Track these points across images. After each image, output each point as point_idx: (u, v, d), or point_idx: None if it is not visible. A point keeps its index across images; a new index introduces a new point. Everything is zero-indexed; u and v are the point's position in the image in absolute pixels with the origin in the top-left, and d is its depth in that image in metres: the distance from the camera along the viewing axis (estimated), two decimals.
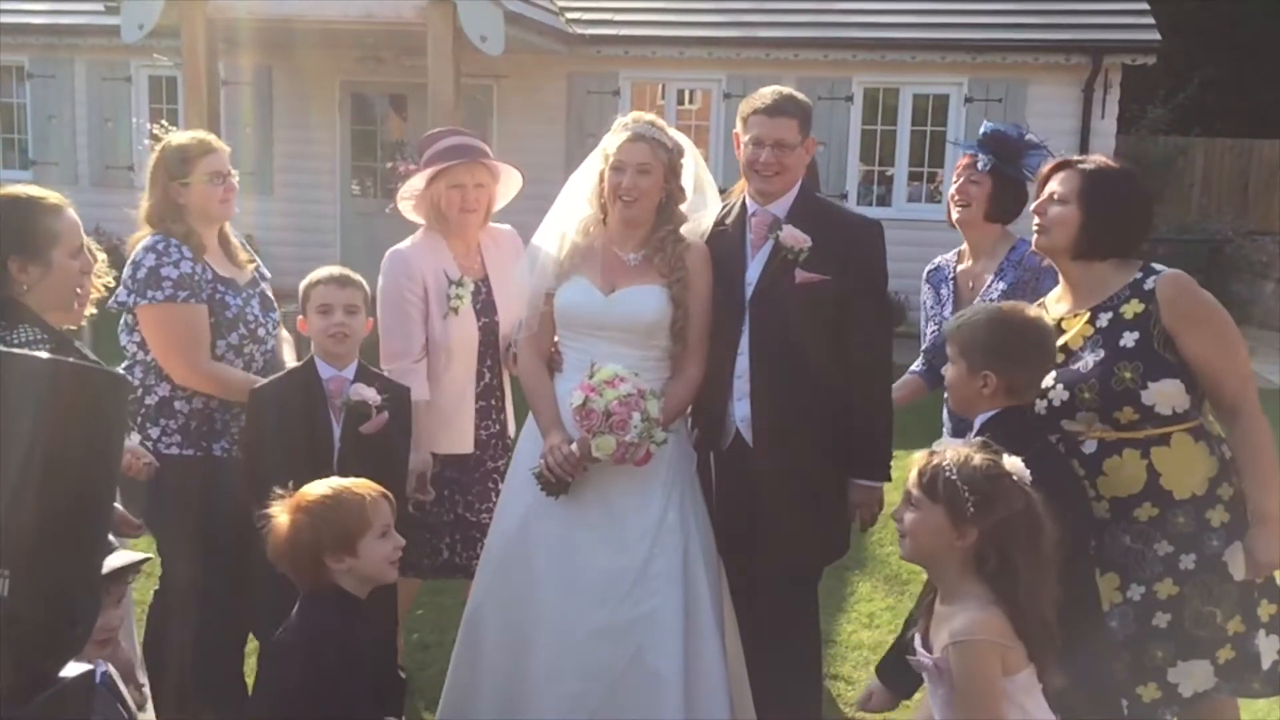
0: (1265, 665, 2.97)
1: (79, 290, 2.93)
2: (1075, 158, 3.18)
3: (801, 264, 3.34)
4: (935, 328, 3.95)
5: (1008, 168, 3.84)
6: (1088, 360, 2.97)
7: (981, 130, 3.97)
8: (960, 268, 3.99)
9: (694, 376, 3.44)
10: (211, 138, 3.74)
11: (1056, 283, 3.23)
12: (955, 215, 3.95)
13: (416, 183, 3.92)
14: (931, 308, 4.03)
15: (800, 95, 3.49)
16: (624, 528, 3.35)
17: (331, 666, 2.53)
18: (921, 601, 2.68)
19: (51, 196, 2.89)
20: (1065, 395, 2.98)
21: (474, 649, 3.48)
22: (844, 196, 12.60)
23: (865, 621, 5.01)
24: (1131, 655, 2.94)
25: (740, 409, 3.45)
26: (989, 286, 3.79)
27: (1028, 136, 3.93)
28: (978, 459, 2.44)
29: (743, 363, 3.43)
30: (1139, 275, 3.01)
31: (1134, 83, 13.45)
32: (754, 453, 3.44)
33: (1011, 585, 2.39)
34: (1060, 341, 3.03)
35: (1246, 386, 2.99)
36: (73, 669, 1.40)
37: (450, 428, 3.88)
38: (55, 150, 14.31)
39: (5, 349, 1.38)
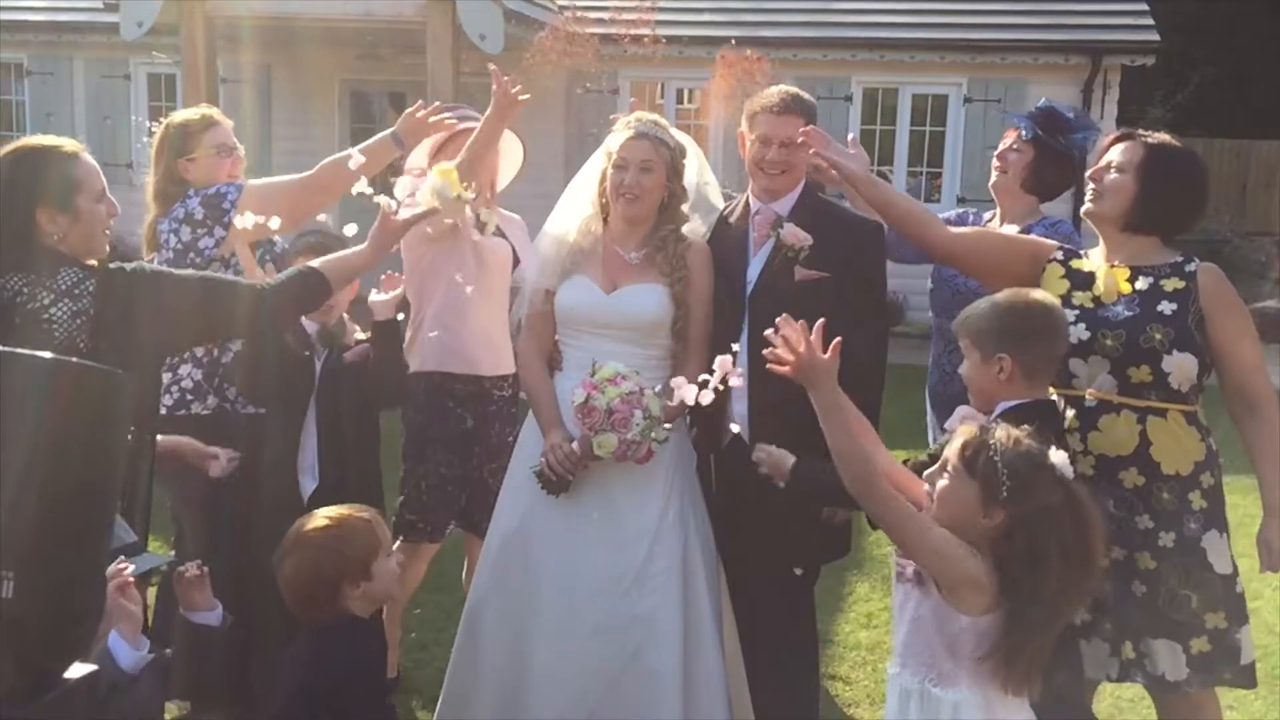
0: (1244, 660, 2.99)
1: (107, 232, 2.93)
2: (1140, 131, 3.18)
3: (802, 262, 3.35)
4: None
5: (1053, 140, 3.86)
6: (1120, 311, 3.00)
7: (1037, 105, 4.02)
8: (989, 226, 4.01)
9: (695, 375, 3.44)
10: (214, 111, 3.73)
11: None
12: (992, 179, 3.99)
13: (420, 158, 3.92)
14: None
15: (806, 95, 3.52)
16: (624, 526, 3.35)
17: (355, 696, 2.56)
18: None
19: (66, 144, 2.88)
20: (1085, 334, 2.99)
21: (473, 647, 3.48)
22: (842, 196, 12.60)
23: (864, 621, 5.01)
24: (1116, 614, 2.97)
25: (739, 407, 3.45)
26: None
27: (1079, 117, 3.97)
28: (1025, 445, 2.42)
29: (742, 361, 3.43)
30: (1180, 259, 3.06)
31: (1133, 83, 13.46)
32: (752, 451, 3.44)
33: (1032, 580, 2.36)
34: (1093, 293, 3.06)
35: (1266, 378, 3.04)
36: (77, 669, 1.40)
37: (490, 346, 3.88)
38: None
39: (8, 349, 1.38)
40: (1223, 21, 19.96)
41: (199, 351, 3.61)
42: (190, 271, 3.17)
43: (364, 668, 2.61)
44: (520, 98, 3.44)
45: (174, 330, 2.90)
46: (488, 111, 3.58)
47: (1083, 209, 3.18)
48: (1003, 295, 2.91)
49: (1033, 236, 3.46)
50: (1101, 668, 3.01)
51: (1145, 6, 12.60)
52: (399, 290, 3.57)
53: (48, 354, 1.39)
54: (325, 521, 2.65)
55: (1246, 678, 3.02)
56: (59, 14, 13.71)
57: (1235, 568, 3.02)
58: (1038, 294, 2.93)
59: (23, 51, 14.14)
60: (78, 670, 1.38)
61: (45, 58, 14.23)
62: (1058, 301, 2.95)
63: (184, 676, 2.41)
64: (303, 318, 3.54)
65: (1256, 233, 15.36)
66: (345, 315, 3.55)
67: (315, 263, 3.10)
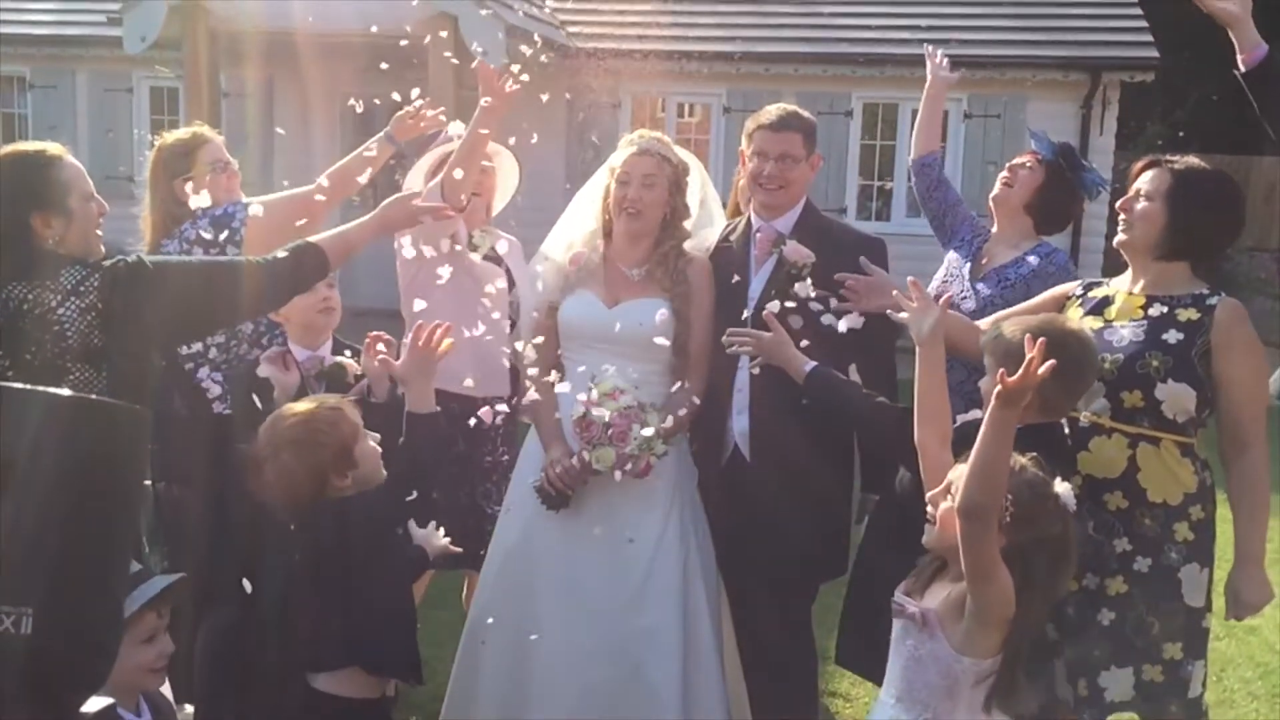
0: (1192, 694, 2.98)
1: (99, 231, 2.95)
2: (1167, 157, 3.14)
3: (804, 279, 3.36)
4: (941, 212, 4.11)
5: (1067, 170, 3.88)
6: (1124, 336, 2.97)
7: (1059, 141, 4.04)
8: (989, 245, 4.01)
9: (695, 390, 3.45)
10: (204, 128, 3.75)
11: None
12: (995, 191, 3.97)
13: (416, 180, 3.92)
14: (960, 238, 4.07)
15: (805, 112, 3.54)
16: (624, 543, 3.36)
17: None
18: (924, 566, 2.62)
19: (50, 147, 2.91)
20: None
21: (474, 663, 3.48)
22: (843, 211, 12.62)
23: None
24: (1076, 648, 2.95)
25: (739, 423, 3.46)
26: (1016, 263, 3.80)
27: (1094, 169, 4.00)
28: (1030, 473, 2.42)
29: (742, 377, 3.44)
30: (1205, 290, 3.01)
31: (1132, 100, 13.47)
32: (751, 467, 3.45)
33: (1023, 602, 2.38)
34: (1105, 317, 3.03)
35: (1262, 424, 2.99)
36: (94, 704, 1.41)
37: (483, 365, 3.67)
38: None
39: (27, 387, 1.39)
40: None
41: (216, 356, 3.61)
42: (192, 257, 3.16)
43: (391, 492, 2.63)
44: (509, 88, 3.39)
45: (183, 316, 2.90)
46: (478, 110, 3.52)
47: (1115, 240, 3.13)
48: (1038, 320, 2.84)
49: (1056, 289, 3.35)
50: (1066, 689, 3.00)
51: (1144, 24, 12.64)
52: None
53: (66, 391, 1.40)
54: (296, 419, 2.60)
55: (1194, 711, 3.00)
56: (62, 28, 13.74)
57: (1208, 603, 3.00)
58: (1073, 326, 2.88)
59: (26, 65, 14.15)
60: (94, 704, 1.39)
61: (48, 71, 14.25)
62: (1092, 338, 2.89)
63: None
64: (301, 354, 3.53)
65: (1255, 248, 15.35)
66: (345, 354, 3.53)
67: (315, 238, 3.07)
